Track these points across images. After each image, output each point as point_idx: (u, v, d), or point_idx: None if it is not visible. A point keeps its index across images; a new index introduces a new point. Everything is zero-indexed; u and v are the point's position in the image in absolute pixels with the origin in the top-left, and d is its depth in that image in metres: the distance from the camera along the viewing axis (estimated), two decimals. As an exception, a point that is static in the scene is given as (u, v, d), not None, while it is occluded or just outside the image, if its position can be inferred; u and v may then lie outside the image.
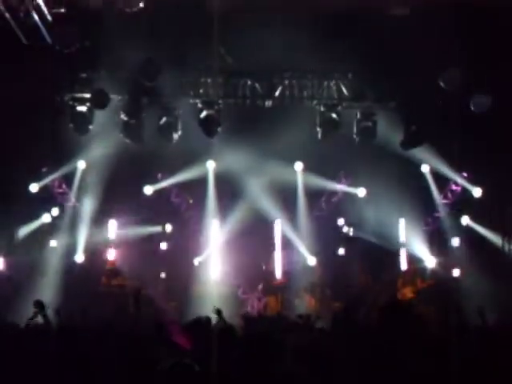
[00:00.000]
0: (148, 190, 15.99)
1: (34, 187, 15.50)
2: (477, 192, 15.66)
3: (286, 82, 14.67)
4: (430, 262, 15.79)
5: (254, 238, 15.78)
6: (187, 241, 16.30)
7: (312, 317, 8.89)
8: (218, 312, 7.91)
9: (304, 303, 15.11)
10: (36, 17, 12.67)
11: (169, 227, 16.37)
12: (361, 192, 16.19)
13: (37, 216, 15.80)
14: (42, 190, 15.71)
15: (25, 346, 6.80)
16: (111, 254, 15.97)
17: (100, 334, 7.22)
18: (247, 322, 11.30)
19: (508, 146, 14.16)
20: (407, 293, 14.85)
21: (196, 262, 15.93)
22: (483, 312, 7.62)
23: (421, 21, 12.62)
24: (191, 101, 14.72)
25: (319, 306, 14.91)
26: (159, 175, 16.21)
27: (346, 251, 16.49)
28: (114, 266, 15.80)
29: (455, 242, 15.89)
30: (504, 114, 13.69)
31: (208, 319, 7.77)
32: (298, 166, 15.96)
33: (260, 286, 16.01)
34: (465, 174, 15.90)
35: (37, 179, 15.59)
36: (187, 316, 10.66)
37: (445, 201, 16.43)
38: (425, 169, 15.98)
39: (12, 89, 13.61)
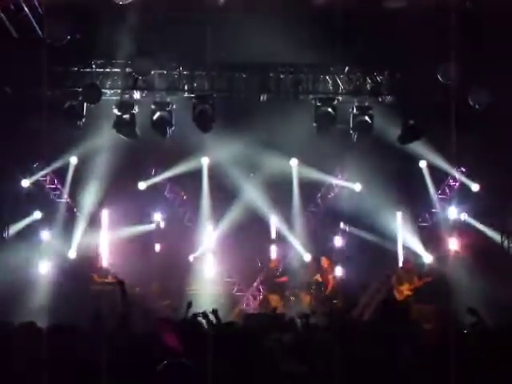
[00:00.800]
0: (141, 185, 15.82)
1: (25, 183, 15.32)
2: (475, 187, 15.54)
3: (282, 76, 14.46)
4: (427, 258, 15.68)
5: (249, 234, 15.63)
6: (181, 237, 16.12)
7: (310, 316, 8.71)
8: (215, 312, 7.72)
9: (300, 301, 14.97)
10: (27, 10, 12.47)
11: (162, 223, 16.19)
12: (357, 187, 16.06)
13: (28, 213, 15.59)
14: (34, 186, 15.53)
15: (18, 345, 6.63)
16: (104, 252, 15.81)
17: (96, 334, 7.07)
18: (244, 320, 11.16)
19: (507, 141, 13.99)
20: (404, 290, 14.72)
21: (191, 258, 15.77)
22: (475, 311, 7.43)
23: (418, 14, 12.44)
24: (185, 95, 14.51)
25: (315, 303, 14.78)
26: (153, 170, 16.04)
27: (342, 247, 16.35)
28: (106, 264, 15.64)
29: (451, 238, 15.78)
30: (503, 108, 13.53)
31: (205, 315, 7.61)
32: (294, 161, 15.83)
33: (255, 284, 15.85)
34: (463, 169, 15.76)
35: (28, 175, 15.41)
36: (182, 314, 10.47)
37: (442, 196, 16.29)
38: (422, 164, 15.82)
39: (1, 83, 13.43)
